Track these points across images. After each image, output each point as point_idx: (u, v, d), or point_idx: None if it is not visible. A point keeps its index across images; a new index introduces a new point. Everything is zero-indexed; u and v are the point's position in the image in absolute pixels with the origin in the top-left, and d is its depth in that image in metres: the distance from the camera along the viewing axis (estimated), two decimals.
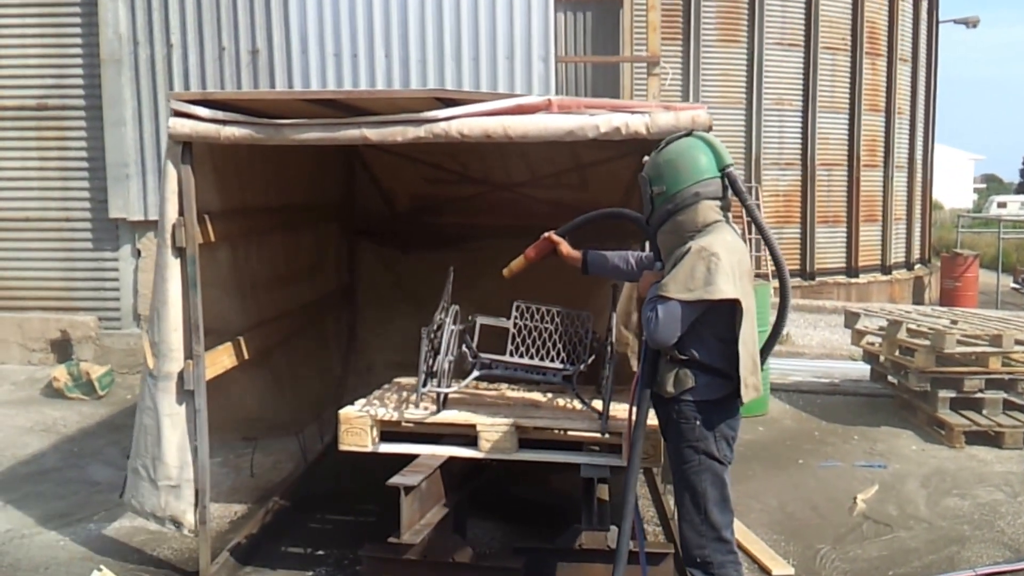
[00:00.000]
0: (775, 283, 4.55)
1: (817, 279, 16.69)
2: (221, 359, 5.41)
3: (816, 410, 8.94)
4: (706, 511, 3.91)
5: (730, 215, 4.00)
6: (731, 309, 3.81)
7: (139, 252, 9.83)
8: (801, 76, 16.32)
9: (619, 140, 4.63)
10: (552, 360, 5.26)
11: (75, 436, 7.99)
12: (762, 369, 4.01)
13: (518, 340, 5.28)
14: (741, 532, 5.81)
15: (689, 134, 4.02)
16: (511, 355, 5.28)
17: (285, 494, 6.38)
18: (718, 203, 3.89)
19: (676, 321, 3.78)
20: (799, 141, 16.40)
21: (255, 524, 5.88)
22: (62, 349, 9.99)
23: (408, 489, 4.43)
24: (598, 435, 4.72)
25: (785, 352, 11.59)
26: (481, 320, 5.30)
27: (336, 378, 7.59)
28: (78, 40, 9.87)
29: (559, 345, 5.27)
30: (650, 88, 10.21)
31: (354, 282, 7.99)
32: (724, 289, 3.71)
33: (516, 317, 5.30)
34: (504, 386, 5.60)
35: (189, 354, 5.04)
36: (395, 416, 4.85)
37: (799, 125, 16.39)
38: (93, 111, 9.89)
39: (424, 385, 4.82)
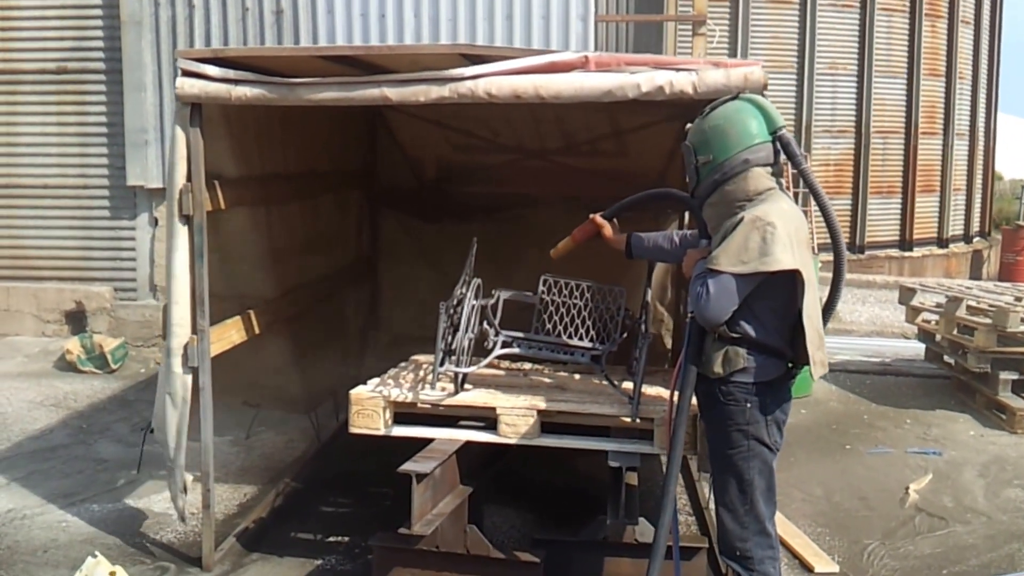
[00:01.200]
0: (824, 256, 4.14)
1: (867, 252, 16.05)
2: (228, 334, 5.10)
3: (865, 391, 8.46)
4: (752, 501, 3.64)
5: (783, 181, 3.67)
6: (788, 281, 3.52)
7: (156, 221, 9.53)
8: (856, 39, 15.60)
9: (662, 101, 4.22)
10: (581, 338, 4.89)
11: (85, 411, 7.76)
12: None
13: (544, 317, 4.92)
14: (782, 524, 5.39)
15: (736, 97, 3.71)
16: (536, 332, 4.92)
17: (297, 475, 6.11)
18: (770, 169, 3.59)
19: (729, 296, 3.50)
20: (853, 107, 15.72)
21: (264, 508, 5.62)
22: (76, 321, 9.74)
23: (420, 477, 4.07)
24: (628, 420, 4.32)
25: (832, 329, 11.08)
26: (505, 295, 4.93)
27: (355, 353, 7.27)
28: (99, 1, 9.53)
29: (588, 322, 4.89)
30: (696, 49, 9.69)
31: (376, 253, 7.65)
32: (782, 259, 3.41)
33: (543, 292, 4.93)
34: (529, 366, 5.20)
35: (195, 328, 4.74)
36: (410, 397, 4.51)
37: (853, 90, 15.70)
38: (113, 75, 9.56)
39: (442, 364, 4.44)
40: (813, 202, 3.82)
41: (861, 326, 11.69)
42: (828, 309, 3.74)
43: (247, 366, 5.72)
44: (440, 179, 7.64)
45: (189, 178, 4.58)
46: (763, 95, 4.08)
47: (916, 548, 5.22)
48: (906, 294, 8.78)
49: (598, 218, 4.40)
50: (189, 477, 4.86)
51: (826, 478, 6.27)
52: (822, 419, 7.62)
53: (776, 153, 3.60)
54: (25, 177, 9.87)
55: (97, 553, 4.21)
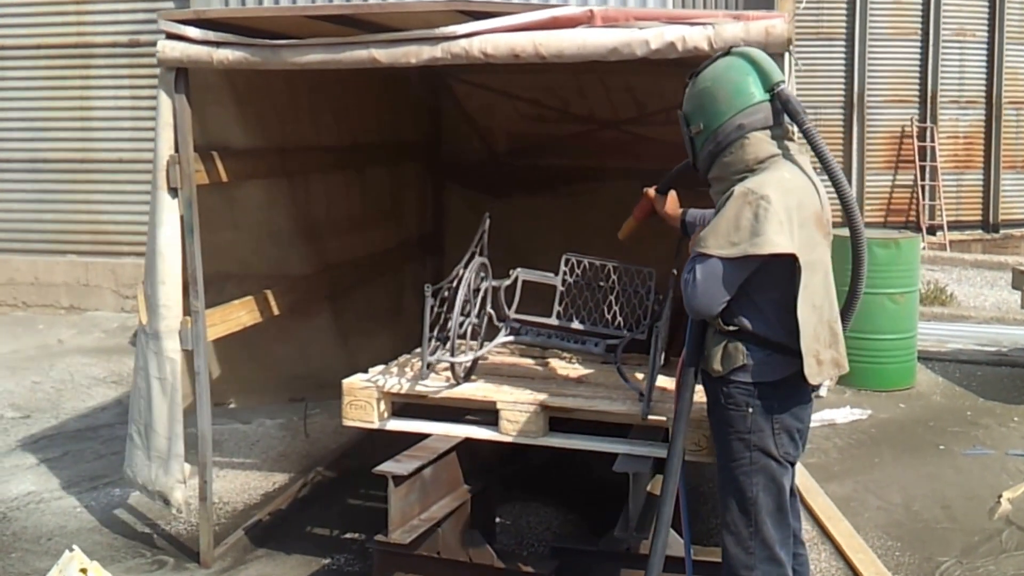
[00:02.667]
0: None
1: (1001, 231, 14.89)
2: (235, 314, 4.79)
3: (975, 384, 7.63)
4: (757, 523, 3.11)
5: (794, 146, 3.12)
6: (790, 267, 2.97)
7: None
8: (987, 3, 14.41)
9: (678, 59, 3.72)
10: (607, 324, 4.39)
11: None
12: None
13: (568, 300, 4.43)
14: (846, 535, 4.83)
15: (728, 53, 3.17)
16: (558, 317, 4.44)
17: (331, 464, 5.79)
18: (770, 133, 3.07)
19: (718, 283, 3.00)
20: (983, 76, 14.58)
21: (286, 499, 5.34)
22: None
23: (399, 479, 3.66)
24: (639, 419, 3.81)
25: (947, 315, 10.20)
26: (525, 275, 4.46)
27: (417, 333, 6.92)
28: None
29: (615, 307, 4.39)
30: (782, 6, 8.86)
31: (440, 229, 7.27)
32: (775, 241, 2.90)
33: (565, 273, 4.44)
34: (550, 355, 4.71)
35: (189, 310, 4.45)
36: (404, 388, 4.09)
37: (983, 58, 14.55)
38: None
39: (433, 353, 4.01)
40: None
41: (982, 312, 10.67)
42: (850, 300, 3.18)
43: (283, 356, 5.43)
44: (512, 151, 7.27)
45: (177, 149, 4.28)
46: (788, 52, 3.52)
47: (998, 568, 4.54)
48: (1020, 278, 7.88)
49: (651, 192, 3.84)
50: (187, 467, 4.55)
51: (909, 483, 5.58)
52: (919, 414, 6.87)
53: (777, 113, 3.05)
54: (101, 152, 9.88)
55: (75, 547, 3.95)
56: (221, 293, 4.86)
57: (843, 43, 14.27)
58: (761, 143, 3.03)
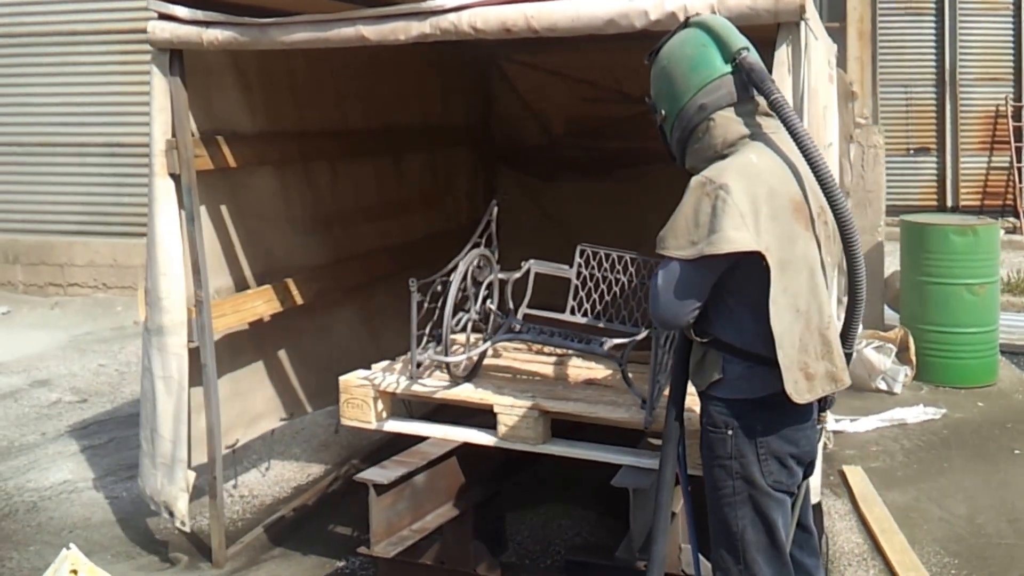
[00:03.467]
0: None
1: None
2: (249, 304, 4.64)
3: None
4: (747, 561, 2.73)
5: (773, 121, 2.69)
6: (761, 266, 2.57)
7: None
8: None
9: None
10: (624, 321, 4.10)
11: None
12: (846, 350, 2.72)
13: (583, 294, 4.15)
14: (899, 550, 4.42)
15: (685, 25, 2.81)
16: (572, 313, 4.16)
17: (367, 457, 5.62)
18: (733, 111, 2.67)
19: (680, 289, 2.61)
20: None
21: (314, 493, 5.22)
22: None
23: (381, 488, 3.44)
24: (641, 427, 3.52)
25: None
26: (537, 267, 4.19)
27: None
28: None
29: (632, 303, 4.09)
30: None
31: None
32: (732, 237, 2.50)
33: (580, 264, 4.16)
34: (562, 353, 4.41)
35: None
36: (401, 387, 3.87)
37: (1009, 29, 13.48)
38: None
39: (428, 350, 3.78)
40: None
41: None
42: (851, 305, 2.75)
43: (313, 346, 5.28)
44: (568, 134, 7.03)
45: (174, 133, 4.13)
46: (803, 21, 3.15)
47: None
48: None
49: None
50: (192, 475, 4.34)
51: (977, 492, 5.11)
52: (997, 415, 6.33)
53: (743, 87, 2.66)
54: None
55: (72, 545, 3.87)
56: (238, 284, 4.74)
57: (933, 17, 13.38)
58: (728, 123, 2.65)
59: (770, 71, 3.09)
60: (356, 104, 5.53)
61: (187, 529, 4.42)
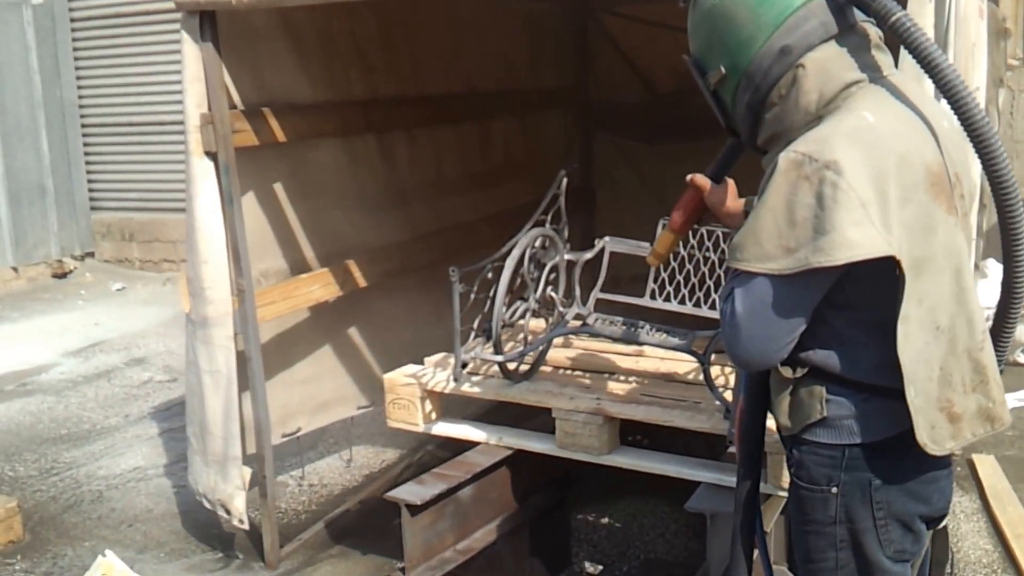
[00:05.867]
0: None
1: None
2: (303, 290, 4.28)
3: None
4: None
5: (887, 58, 1.97)
6: (888, 271, 1.84)
7: None
8: None
9: None
10: (712, 307, 3.55)
11: None
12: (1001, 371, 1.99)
13: (664, 277, 3.61)
14: None
15: None
16: (653, 297, 3.62)
17: (445, 442, 5.17)
18: (835, 46, 1.91)
19: (771, 318, 1.87)
20: None
21: (383, 483, 4.84)
22: None
23: (414, 509, 3.01)
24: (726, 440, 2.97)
25: None
26: (613, 246, 3.66)
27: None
28: None
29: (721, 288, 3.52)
30: None
31: (589, 183, 6.55)
32: (854, 239, 1.76)
33: None
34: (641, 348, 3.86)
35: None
36: (450, 386, 3.43)
37: None
38: None
39: (472, 349, 3.32)
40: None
41: None
42: (1004, 311, 1.99)
43: (384, 326, 4.92)
44: (675, 91, 6.35)
45: (209, 107, 3.76)
46: None
47: None
48: None
49: (697, 178, 2.33)
50: (248, 471, 4.05)
51: None
52: None
53: (839, 11, 1.91)
54: None
55: (108, 552, 3.65)
56: (297, 267, 4.40)
57: None
58: (827, 67, 1.90)
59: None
60: (435, 68, 5.10)
61: (245, 527, 4.13)
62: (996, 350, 1.98)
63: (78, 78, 10.33)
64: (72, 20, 10.26)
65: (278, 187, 4.28)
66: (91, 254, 10.51)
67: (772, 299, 1.86)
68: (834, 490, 1.97)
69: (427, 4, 4.75)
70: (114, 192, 10.61)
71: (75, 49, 10.29)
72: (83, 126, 10.42)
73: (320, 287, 4.36)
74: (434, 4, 4.82)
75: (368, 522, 4.52)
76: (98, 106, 10.39)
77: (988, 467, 4.51)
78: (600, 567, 3.98)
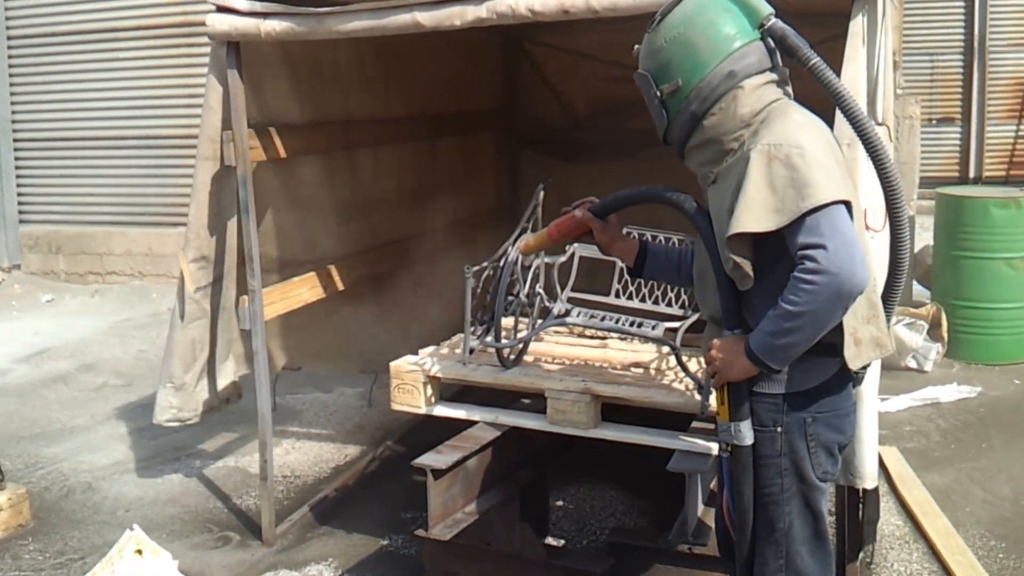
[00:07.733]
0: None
1: None
2: (295, 291, 4.73)
3: None
4: (789, 554, 2.65)
5: (790, 91, 2.62)
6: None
7: None
8: None
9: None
10: (670, 304, 4.15)
11: None
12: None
13: (627, 278, 4.20)
14: (942, 533, 4.42)
15: None
16: (617, 296, 4.22)
17: (401, 438, 5.73)
18: (766, 77, 2.54)
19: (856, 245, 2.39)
20: None
21: (353, 473, 5.32)
22: None
23: (438, 473, 3.51)
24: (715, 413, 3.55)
25: None
26: (582, 251, 4.24)
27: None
28: None
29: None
30: None
31: (517, 199, 7.08)
32: (829, 189, 2.37)
33: None
34: (612, 338, 4.46)
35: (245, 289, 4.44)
36: (451, 372, 3.94)
37: None
38: None
39: (480, 336, 3.85)
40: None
41: None
42: (896, 265, 2.67)
43: (345, 329, 5.37)
44: (591, 115, 7.04)
45: (229, 126, 4.22)
46: None
47: None
48: None
49: (580, 215, 3.02)
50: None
51: (1020, 472, 5.12)
52: None
53: (771, 53, 2.55)
54: None
55: (135, 526, 3.99)
56: (284, 272, 4.84)
57: None
58: (757, 90, 2.51)
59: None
60: (397, 91, 5.60)
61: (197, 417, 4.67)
62: (890, 299, 2.66)
63: (12, 94, 10.50)
64: (9, 39, 10.43)
65: (273, 198, 4.72)
66: (18, 266, 10.60)
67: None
68: (779, 429, 2.58)
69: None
70: (43, 205, 10.76)
71: (10, 67, 10.46)
72: (15, 140, 10.56)
73: (307, 289, 4.82)
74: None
75: (346, 507, 4.96)
76: (31, 121, 10.56)
77: (892, 457, 5.24)
78: (563, 541, 4.50)
